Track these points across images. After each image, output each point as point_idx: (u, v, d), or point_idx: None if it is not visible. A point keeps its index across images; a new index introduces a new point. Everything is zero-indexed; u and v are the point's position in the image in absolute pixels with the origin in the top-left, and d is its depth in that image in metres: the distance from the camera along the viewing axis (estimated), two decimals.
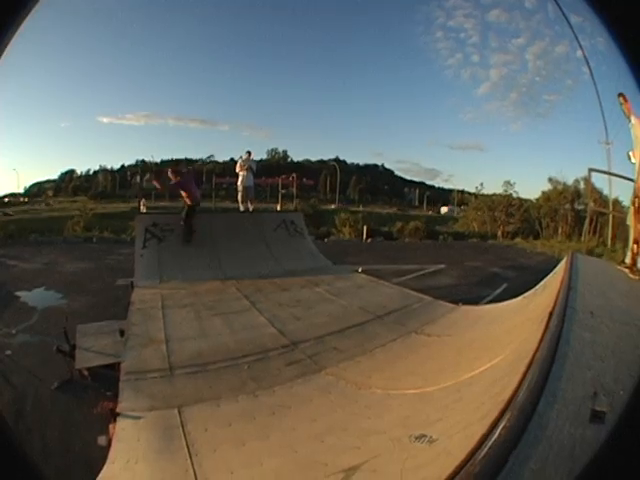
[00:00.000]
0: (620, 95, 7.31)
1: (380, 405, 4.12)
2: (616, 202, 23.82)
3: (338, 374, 5.12)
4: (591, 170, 20.12)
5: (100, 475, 3.29)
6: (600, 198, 30.94)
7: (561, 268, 7.04)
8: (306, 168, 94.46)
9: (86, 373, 5.83)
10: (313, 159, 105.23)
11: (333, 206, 57.71)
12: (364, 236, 28.20)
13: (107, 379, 5.48)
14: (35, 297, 10.91)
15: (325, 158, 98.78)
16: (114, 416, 4.20)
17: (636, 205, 7.18)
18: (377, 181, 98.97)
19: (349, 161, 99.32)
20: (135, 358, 5.61)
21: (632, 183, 7.98)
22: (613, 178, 23.00)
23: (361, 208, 55.83)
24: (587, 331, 4.07)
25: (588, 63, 29.09)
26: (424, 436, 3.14)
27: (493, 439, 2.34)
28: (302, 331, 6.73)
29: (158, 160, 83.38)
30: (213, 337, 6.49)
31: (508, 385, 3.05)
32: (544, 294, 6.12)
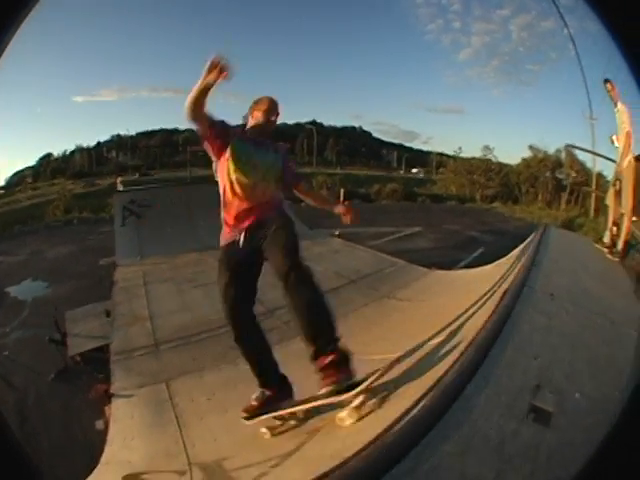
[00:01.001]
0: (607, 82, 7.37)
1: None
2: (599, 176, 24.01)
3: None
4: (568, 146, 20.30)
5: (102, 459, 3.57)
6: (582, 169, 31.10)
7: (531, 241, 7.15)
8: (283, 132, 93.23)
9: (79, 359, 6.06)
10: (290, 122, 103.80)
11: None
12: (341, 199, 27.96)
13: (99, 362, 5.70)
14: (23, 290, 10.94)
15: (302, 121, 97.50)
16: (109, 397, 4.48)
17: (617, 187, 7.37)
18: (355, 143, 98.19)
19: (326, 124, 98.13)
20: (122, 338, 5.87)
21: (610, 162, 8.21)
22: (595, 154, 23.33)
23: (339, 170, 55.37)
24: (543, 315, 3.82)
25: (573, 41, 29.10)
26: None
27: (412, 415, 2.38)
28: (278, 298, 6.76)
29: (133, 133, 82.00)
30: (195, 309, 6.75)
31: (447, 361, 3.03)
32: (511, 267, 6.04)
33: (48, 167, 72.68)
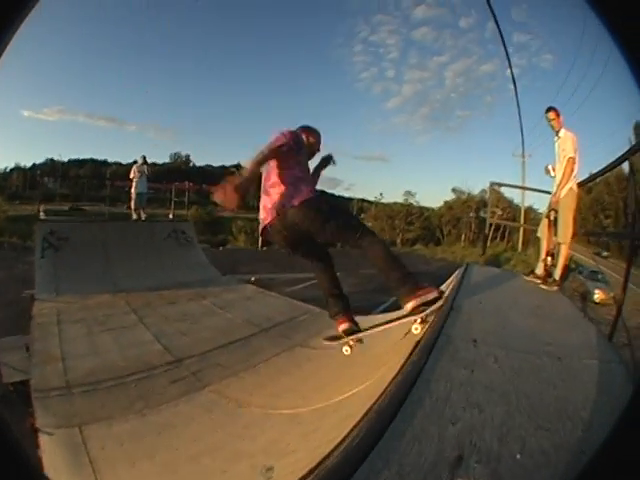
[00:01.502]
0: (550, 110, 7.32)
1: (256, 426, 4.24)
2: (528, 211, 24.63)
3: (220, 391, 5.35)
4: (493, 184, 20.97)
5: None
6: (509, 206, 32.12)
7: (450, 283, 7.11)
8: (207, 173, 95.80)
9: (12, 388, 5.93)
10: (215, 165, 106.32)
11: None
12: (259, 244, 28.02)
13: (26, 395, 5.53)
14: None
15: (227, 164, 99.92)
16: (35, 431, 4.48)
17: (551, 218, 7.45)
18: None
19: None
20: (40, 376, 5.82)
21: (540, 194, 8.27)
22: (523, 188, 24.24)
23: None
24: (463, 367, 3.26)
25: (514, 80, 30.38)
26: (271, 469, 3.04)
27: None
28: (187, 347, 7.00)
29: (66, 159, 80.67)
30: (103, 354, 6.72)
31: (340, 432, 2.61)
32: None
33: None
